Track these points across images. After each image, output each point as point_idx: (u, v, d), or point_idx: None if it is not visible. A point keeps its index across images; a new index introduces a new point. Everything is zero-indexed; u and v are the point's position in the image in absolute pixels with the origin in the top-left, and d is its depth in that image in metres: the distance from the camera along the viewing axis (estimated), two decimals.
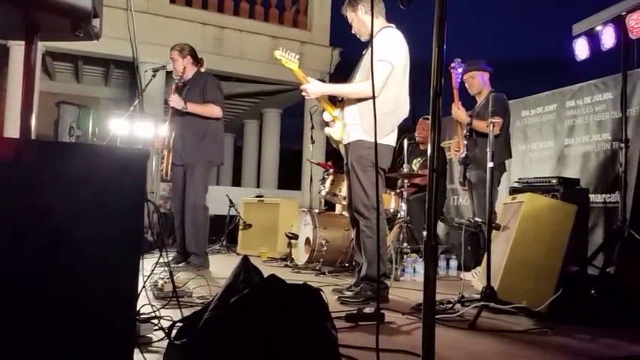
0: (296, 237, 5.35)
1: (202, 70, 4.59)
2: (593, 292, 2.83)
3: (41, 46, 6.33)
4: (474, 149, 4.41)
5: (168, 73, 4.51)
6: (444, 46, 1.53)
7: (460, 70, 4.03)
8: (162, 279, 2.83)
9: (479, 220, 4.25)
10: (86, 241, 1.42)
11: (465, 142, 4.36)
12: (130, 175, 1.46)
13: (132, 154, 1.50)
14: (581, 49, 5.03)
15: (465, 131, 4.40)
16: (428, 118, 5.87)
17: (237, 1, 8.75)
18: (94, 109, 3.70)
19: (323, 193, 5.04)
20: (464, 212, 6.82)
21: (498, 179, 4.51)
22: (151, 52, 6.78)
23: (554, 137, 6.03)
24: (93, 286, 1.43)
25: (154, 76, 4.42)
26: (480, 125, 4.26)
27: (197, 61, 4.57)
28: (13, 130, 6.75)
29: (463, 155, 4.36)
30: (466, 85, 4.71)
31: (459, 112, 4.46)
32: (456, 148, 4.60)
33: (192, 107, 4.35)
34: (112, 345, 1.45)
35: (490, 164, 3.14)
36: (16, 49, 6.95)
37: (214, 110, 4.37)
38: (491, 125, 3.18)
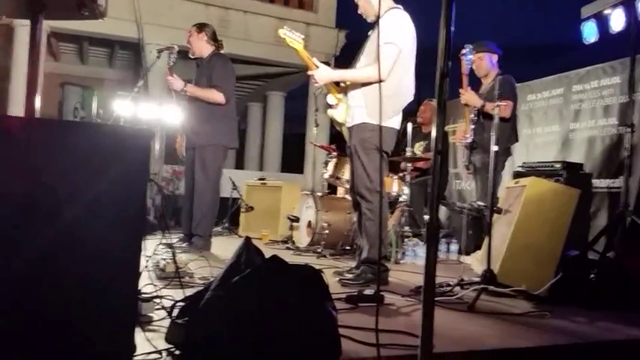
0: (298, 220, 5.37)
1: (221, 51, 4.52)
2: (592, 276, 2.85)
3: (46, 27, 6.31)
4: (482, 133, 4.34)
5: (179, 54, 4.43)
6: (452, 27, 1.52)
7: (470, 56, 3.97)
8: (165, 260, 2.85)
9: (481, 203, 4.26)
10: (89, 218, 1.43)
11: (473, 126, 4.30)
12: (134, 154, 1.47)
13: (136, 134, 1.50)
14: (590, 32, 4.97)
15: (472, 115, 4.34)
16: (432, 100, 5.86)
17: None
18: (98, 90, 3.71)
19: (326, 176, 5.04)
20: (466, 196, 6.82)
21: (503, 163, 4.48)
22: (155, 32, 6.75)
23: (560, 121, 6.01)
24: (95, 264, 1.45)
25: (158, 57, 4.39)
26: (492, 108, 4.20)
27: (215, 40, 4.50)
28: (17, 111, 6.75)
29: (470, 140, 4.31)
30: (473, 66, 4.62)
31: (469, 94, 4.32)
32: (462, 134, 4.56)
33: (192, 90, 4.31)
34: (114, 323, 1.47)
35: (495, 148, 3.13)
36: (21, 29, 6.92)
37: (214, 95, 4.28)
38: (497, 108, 3.16)
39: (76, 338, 1.45)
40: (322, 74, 3.24)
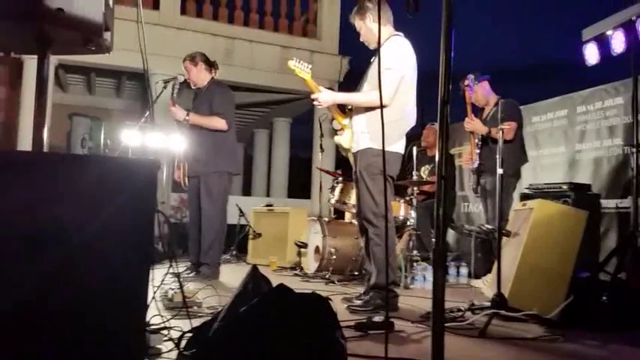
0: (305, 246, 5.35)
1: (215, 75, 4.59)
2: (604, 298, 2.81)
3: (54, 59, 6.43)
4: (490, 156, 4.33)
5: (181, 84, 4.52)
6: (452, 54, 1.54)
7: (475, 85, 4.01)
8: (172, 289, 2.84)
9: (489, 226, 4.24)
10: (97, 251, 1.44)
11: (478, 150, 4.31)
12: (141, 186, 1.48)
13: (142, 165, 1.52)
14: (592, 54, 5.01)
15: (477, 140, 4.36)
16: (434, 124, 5.90)
17: (247, 11, 8.83)
18: (106, 120, 3.76)
19: (332, 201, 5.05)
20: (474, 219, 6.79)
21: (514, 185, 4.46)
22: (162, 63, 6.85)
23: (566, 143, 6.00)
24: (103, 296, 1.45)
25: (164, 87, 4.46)
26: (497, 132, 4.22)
27: (211, 66, 4.57)
28: (26, 142, 6.83)
29: (476, 165, 4.31)
30: (472, 99, 4.67)
31: (474, 123, 4.38)
32: (468, 157, 4.57)
33: (195, 119, 4.37)
34: (122, 356, 1.46)
35: (500, 171, 3.13)
36: (30, 62, 7.05)
37: (217, 123, 4.34)
38: (501, 132, 3.17)
39: None
40: (325, 97, 3.30)
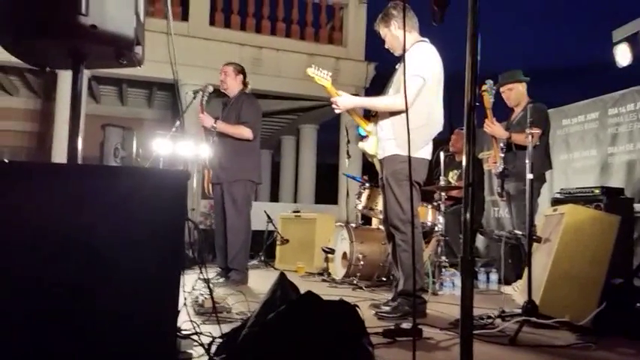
0: (333, 251, 5.36)
1: (246, 90, 4.70)
2: (638, 305, 2.74)
3: (87, 71, 6.61)
4: (513, 162, 4.31)
5: (210, 94, 4.64)
6: (478, 58, 1.54)
7: (493, 91, 3.98)
8: (203, 295, 2.89)
9: (519, 232, 4.18)
10: (129, 258, 1.48)
11: (502, 155, 4.27)
12: (172, 196, 1.53)
13: (173, 176, 1.56)
14: (623, 55, 4.90)
15: (501, 145, 4.31)
16: (462, 129, 5.79)
17: (274, 20, 8.92)
18: (137, 130, 3.85)
19: (359, 207, 5.05)
20: (505, 224, 6.68)
21: (538, 191, 4.40)
22: (191, 73, 6.98)
23: (597, 146, 5.87)
24: (135, 302, 1.49)
25: (194, 97, 4.56)
26: (519, 138, 4.16)
27: (244, 79, 4.71)
28: (60, 152, 7.03)
29: (500, 169, 4.26)
30: (503, 96, 4.62)
31: (494, 127, 4.32)
32: (493, 161, 4.52)
33: (222, 127, 4.47)
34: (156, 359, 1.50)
35: (530, 176, 3.10)
36: (64, 74, 7.26)
37: (243, 132, 4.44)
38: (530, 136, 3.14)
39: None
40: (344, 101, 3.32)
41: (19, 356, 1.41)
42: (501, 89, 4.55)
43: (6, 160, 1.50)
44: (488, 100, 3.96)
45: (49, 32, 1.72)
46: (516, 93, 4.57)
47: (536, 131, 3.47)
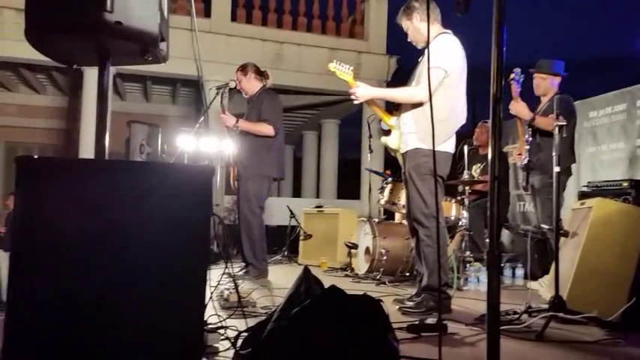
0: (356, 246, 5.35)
1: (268, 83, 4.73)
2: None
3: (112, 69, 6.70)
4: (537, 153, 4.22)
5: (231, 90, 4.68)
6: (504, 50, 1.51)
7: (521, 80, 3.90)
8: (228, 289, 2.92)
9: (545, 226, 4.11)
10: (157, 253, 1.50)
11: (528, 147, 4.18)
12: (198, 191, 1.54)
13: (199, 171, 1.58)
14: None
15: (527, 136, 4.21)
16: (486, 122, 5.69)
17: (296, 15, 8.93)
18: (162, 126, 3.89)
19: (382, 202, 5.03)
20: (530, 218, 6.59)
21: (564, 184, 4.31)
22: (214, 70, 7.03)
23: (625, 138, 5.74)
24: (163, 296, 1.51)
25: (217, 93, 4.60)
26: (543, 122, 4.03)
27: (261, 75, 4.72)
28: (87, 148, 7.16)
29: (525, 162, 4.18)
30: (534, 82, 4.47)
31: (518, 105, 4.13)
32: (518, 153, 4.44)
33: (244, 125, 4.52)
34: (181, 354, 1.52)
35: (557, 169, 3.04)
36: (89, 72, 7.38)
37: (264, 129, 4.48)
38: (557, 128, 3.08)
39: None
40: (362, 91, 3.30)
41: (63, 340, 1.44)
42: (535, 74, 4.43)
43: (36, 157, 1.54)
44: (515, 89, 3.88)
45: (75, 29, 1.75)
46: (547, 85, 4.44)
47: (563, 122, 3.40)
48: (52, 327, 1.45)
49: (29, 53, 2.11)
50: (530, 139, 4.14)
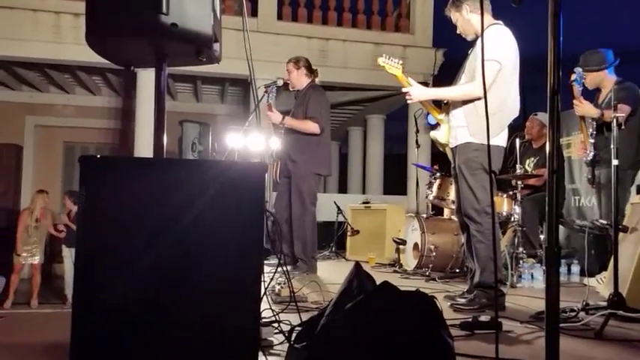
0: (404, 242, 5.32)
1: (316, 81, 4.75)
2: None
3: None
4: (605, 146, 4.00)
5: (278, 88, 4.74)
6: (561, 39, 1.47)
7: (582, 81, 3.74)
8: (279, 284, 2.96)
9: (604, 221, 3.95)
10: (214, 248, 1.55)
11: (592, 140, 3.99)
12: (251, 187, 1.58)
13: (252, 168, 1.61)
14: None
15: (591, 129, 4.02)
16: (536, 115, 5.49)
17: (341, 11, 8.91)
18: (212, 125, 3.97)
19: (430, 197, 4.98)
20: (586, 213, 6.34)
21: (632, 179, 4.10)
22: (261, 68, 7.06)
23: None
24: (220, 290, 1.55)
25: (266, 91, 4.65)
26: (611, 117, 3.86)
27: (311, 72, 4.75)
28: (144, 148, 7.37)
29: (590, 157, 3.99)
30: (587, 80, 4.27)
31: (583, 106, 3.97)
32: (581, 147, 4.26)
33: (290, 122, 4.54)
34: (239, 346, 1.56)
35: (615, 162, 2.92)
36: (143, 73, 7.58)
37: (310, 126, 4.50)
38: (615, 120, 2.96)
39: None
40: (417, 92, 3.26)
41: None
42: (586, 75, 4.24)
43: (98, 156, 1.61)
44: (577, 90, 3.74)
45: (133, 32, 1.81)
46: (594, 78, 4.24)
47: (621, 115, 3.25)
48: (115, 320, 1.51)
49: (85, 56, 2.21)
50: (595, 132, 3.96)
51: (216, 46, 1.92)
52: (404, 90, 3.29)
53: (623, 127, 3.86)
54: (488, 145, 1.69)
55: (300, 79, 4.70)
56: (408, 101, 3.35)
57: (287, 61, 4.77)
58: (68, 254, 7.08)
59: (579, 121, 4.18)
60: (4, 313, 4.79)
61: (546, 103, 1.46)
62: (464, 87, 3.16)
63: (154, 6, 1.71)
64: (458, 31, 3.34)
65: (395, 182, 10.29)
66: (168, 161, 1.76)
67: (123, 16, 1.78)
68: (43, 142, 10.80)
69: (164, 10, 1.72)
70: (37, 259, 7.32)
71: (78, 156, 1.66)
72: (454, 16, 3.31)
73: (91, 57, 2.03)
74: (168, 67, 2.01)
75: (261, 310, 2.10)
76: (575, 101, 3.98)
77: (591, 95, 4.27)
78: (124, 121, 10.50)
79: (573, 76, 3.70)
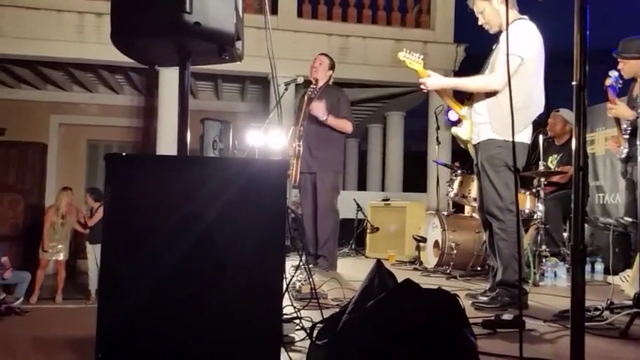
0: (424, 240, 5.29)
1: (330, 81, 4.78)
2: None
3: None
4: (637, 143, 3.90)
5: (297, 85, 4.77)
6: (587, 33, 1.45)
7: (618, 86, 3.66)
8: (300, 281, 2.97)
9: (628, 219, 3.88)
10: (237, 245, 1.56)
11: (626, 136, 3.88)
12: (274, 185, 1.59)
13: (275, 166, 1.62)
14: None
15: (625, 125, 3.92)
16: (559, 111, 5.36)
17: (361, 8, 8.89)
18: (233, 123, 4.01)
19: (451, 194, 4.94)
20: (611, 211, 6.23)
21: None
22: (282, 66, 7.08)
23: None
24: (243, 287, 1.57)
25: (286, 89, 4.68)
26: None
27: (332, 70, 4.82)
28: (166, 146, 7.45)
29: (624, 154, 3.90)
30: (620, 67, 4.15)
31: (618, 108, 3.87)
32: (616, 144, 4.16)
33: (332, 121, 4.53)
34: (261, 342, 1.57)
35: None
36: (165, 72, 7.66)
37: (347, 126, 4.60)
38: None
39: (225, 356, 1.57)
40: (433, 81, 3.22)
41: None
42: (620, 61, 4.14)
43: (124, 154, 1.63)
44: (612, 94, 3.66)
45: (157, 31, 1.83)
46: (632, 67, 4.12)
47: None
48: (139, 316, 1.53)
49: (108, 55, 2.24)
50: (630, 128, 3.87)
51: (238, 44, 1.93)
52: (420, 80, 3.25)
53: None
54: (513, 142, 1.68)
55: (324, 76, 4.74)
56: (423, 90, 3.31)
57: (324, 54, 4.84)
58: (92, 251, 7.21)
59: (614, 119, 4.08)
60: (30, 308, 4.90)
61: (571, 98, 1.45)
62: (481, 78, 3.13)
63: (178, 5, 1.73)
64: (480, 23, 3.26)
65: (414, 179, 10.24)
66: (193, 159, 1.78)
67: (147, 16, 1.80)
68: (68, 140, 10.98)
69: (187, 9, 1.74)
70: (62, 256, 7.47)
71: (101, 154, 1.69)
72: (481, 5, 3.22)
73: (114, 56, 2.06)
74: (192, 65, 2.03)
75: (284, 306, 2.12)
76: (608, 104, 3.88)
77: (625, 85, 4.13)
78: (146, 120, 10.63)
79: (609, 81, 3.61)
